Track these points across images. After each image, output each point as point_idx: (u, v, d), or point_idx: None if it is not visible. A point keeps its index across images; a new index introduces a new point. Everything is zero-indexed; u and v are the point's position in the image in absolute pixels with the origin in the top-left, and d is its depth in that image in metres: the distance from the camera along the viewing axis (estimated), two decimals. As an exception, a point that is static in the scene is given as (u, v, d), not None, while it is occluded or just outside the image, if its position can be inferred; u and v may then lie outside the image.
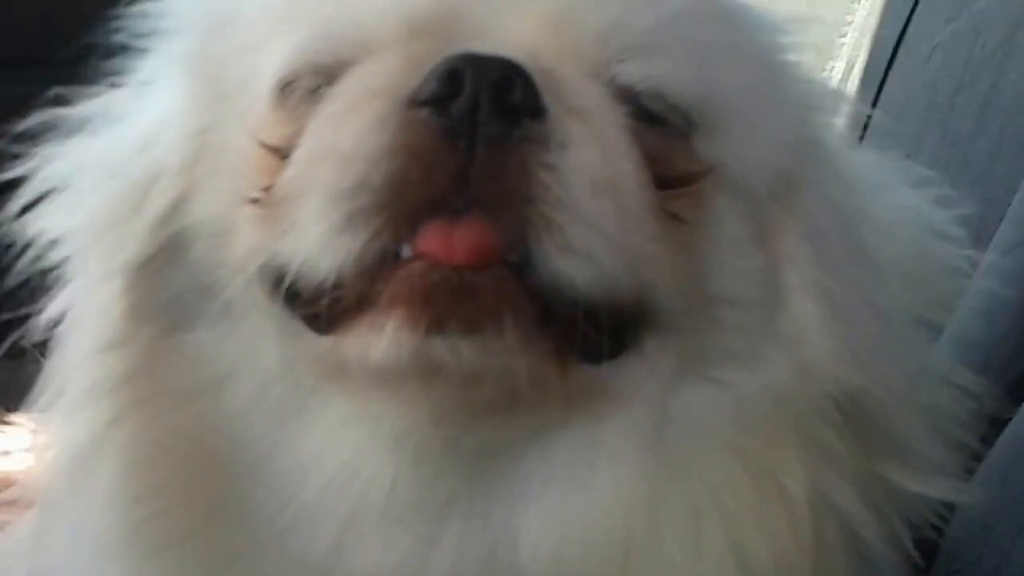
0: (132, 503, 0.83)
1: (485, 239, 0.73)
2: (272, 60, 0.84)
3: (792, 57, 0.93)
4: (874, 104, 1.75)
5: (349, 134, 0.75)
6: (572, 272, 0.73)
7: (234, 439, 0.84)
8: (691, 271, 0.82)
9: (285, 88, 0.83)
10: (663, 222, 0.79)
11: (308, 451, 0.83)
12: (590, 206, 0.74)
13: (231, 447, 0.84)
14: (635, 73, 0.81)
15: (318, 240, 0.74)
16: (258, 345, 0.83)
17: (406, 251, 0.74)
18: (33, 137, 0.92)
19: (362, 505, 0.82)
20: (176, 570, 0.83)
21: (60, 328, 0.88)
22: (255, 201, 0.81)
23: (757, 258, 0.85)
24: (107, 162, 0.90)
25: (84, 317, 0.88)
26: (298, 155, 0.79)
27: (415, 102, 0.75)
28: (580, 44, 0.80)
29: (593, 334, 0.76)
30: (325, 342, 0.78)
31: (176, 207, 0.86)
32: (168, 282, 0.86)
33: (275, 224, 0.78)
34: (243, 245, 0.82)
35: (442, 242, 0.73)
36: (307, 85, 0.82)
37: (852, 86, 2.08)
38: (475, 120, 0.73)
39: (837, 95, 0.94)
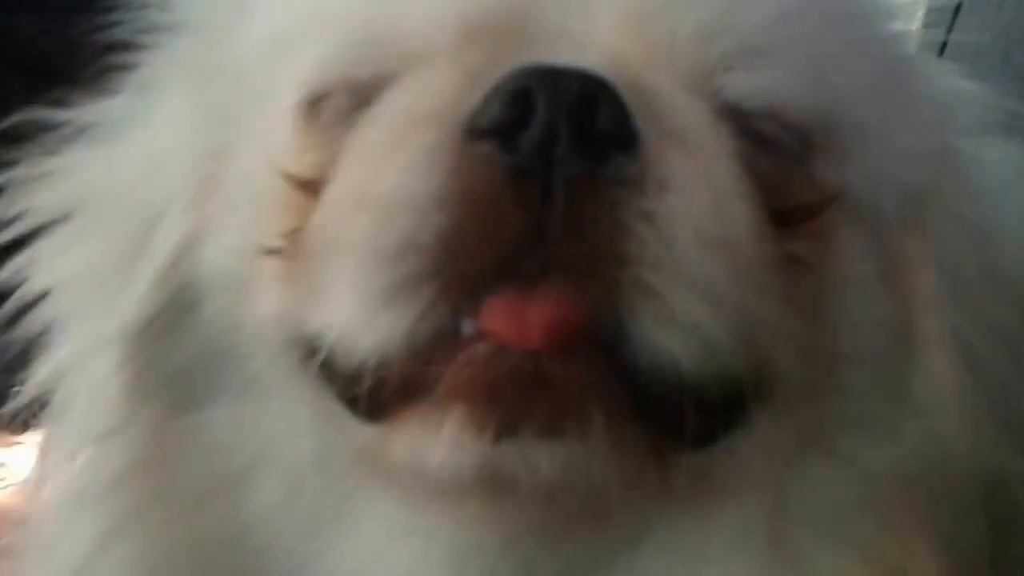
0: None
1: (567, 314, 0.58)
2: (298, 69, 0.69)
3: (915, 49, 0.79)
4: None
5: (391, 174, 0.60)
6: (676, 348, 0.59)
7: (259, 550, 0.69)
8: (814, 327, 0.67)
9: (314, 105, 0.68)
10: (782, 270, 0.64)
11: (349, 567, 0.68)
12: (698, 264, 0.59)
13: (256, 560, 0.69)
14: (744, 85, 0.66)
15: (356, 313, 0.60)
16: (287, 430, 0.69)
17: (468, 327, 0.59)
18: (20, 139, 0.77)
19: None
20: None
21: (51, 402, 0.74)
22: (278, 251, 0.66)
23: (886, 303, 0.70)
24: (101, 193, 0.75)
25: (76, 395, 0.73)
26: (329, 197, 0.64)
27: (474, 131, 0.59)
28: (676, 47, 0.65)
29: (699, 416, 0.62)
30: (368, 432, 0.64)
31: (183, 253, 0.71)
32: (174, 349, 0.71)
33: (304, 283, 0.63)
34: (266, 305, 0.67)
35: (512, 319, 0.58)
36: (340, 104, 0.67)
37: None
38: (551, 155, 0.58)
39: (972, 92, 0.79)
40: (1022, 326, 0.73)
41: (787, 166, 0.67)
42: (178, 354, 0.71)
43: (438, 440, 0.59)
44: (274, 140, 0.69)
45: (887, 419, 0.70)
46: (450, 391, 0.59)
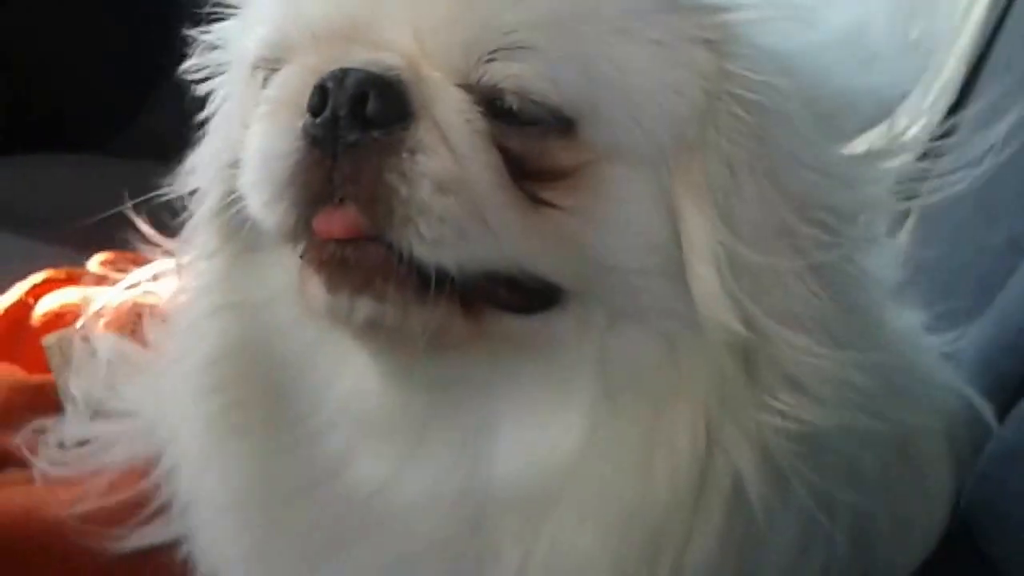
0: (210, 392, 1.06)
1: (354, 223, 0.88)
2: (252, 40, 1.00)
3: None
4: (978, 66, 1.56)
5: (268, 136, 0.92)
6: (430, 256, 0.87)
7: (281, 354, 1.03)
8: (578, 251, 0.90)
9: (256, 69, 1.00)
10: (534, 211, 0.89)
11: (326, 371, 1.00)
12: (437, 204, 0.86)
13: (279, 358, 1.03)
14: (497, 75, 0.88)
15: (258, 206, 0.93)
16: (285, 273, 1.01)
17: (312, 226, 0.91)
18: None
19: (361, 421, 1.00)
20: (240, 456, 1.05)
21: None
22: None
23: (661, 229, 0.91)
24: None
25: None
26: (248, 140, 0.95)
27: (306, 112, 0.89)
28: (450, 50, 0.89)
29: (504, 293, 0.91)
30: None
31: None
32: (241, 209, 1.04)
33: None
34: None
35: (326, 224, 0.89)
36: (264, 72, 0.98)
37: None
38: (336, 130, 0.87)
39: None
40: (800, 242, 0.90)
41: (543, 138, 0.89)
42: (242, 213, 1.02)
43: (310, 292, 0.92)
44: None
45: (670, 308, 0.92)
46: (309, 262, 0.92)
